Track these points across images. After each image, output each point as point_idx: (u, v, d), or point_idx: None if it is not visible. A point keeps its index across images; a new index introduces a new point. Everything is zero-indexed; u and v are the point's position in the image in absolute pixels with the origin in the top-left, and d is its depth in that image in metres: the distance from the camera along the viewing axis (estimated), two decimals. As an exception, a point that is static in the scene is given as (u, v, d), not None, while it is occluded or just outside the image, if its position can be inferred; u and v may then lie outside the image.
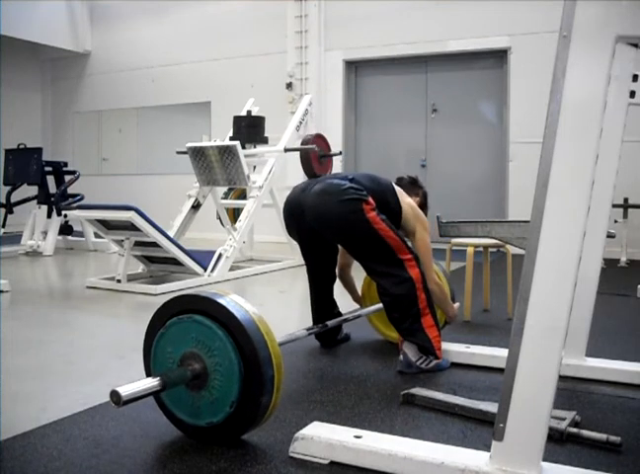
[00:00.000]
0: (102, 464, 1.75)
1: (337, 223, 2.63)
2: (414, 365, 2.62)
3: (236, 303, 1.86)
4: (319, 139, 5.66)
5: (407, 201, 2.84)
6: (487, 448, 1.62)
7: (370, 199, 2.61)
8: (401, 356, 2.65)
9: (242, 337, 1.78)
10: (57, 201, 7.08)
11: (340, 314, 3.03)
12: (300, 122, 6.33)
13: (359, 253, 2.69)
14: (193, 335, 1.83)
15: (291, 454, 1.80)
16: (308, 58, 8.20)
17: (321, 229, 2.72)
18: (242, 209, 5.79)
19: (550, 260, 1.49)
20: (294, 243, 6.08)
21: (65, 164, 7.70)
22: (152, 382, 1.77)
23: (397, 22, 7.77)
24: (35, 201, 7.34)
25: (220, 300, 1.85)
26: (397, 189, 2.84)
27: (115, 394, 1.64)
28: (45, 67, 10.95)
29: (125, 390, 1.66)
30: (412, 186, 3.05)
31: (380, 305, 2.94)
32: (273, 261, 6.14)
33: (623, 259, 6.05)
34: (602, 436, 1.85)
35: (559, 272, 1.49)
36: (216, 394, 1.80)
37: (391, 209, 2.74)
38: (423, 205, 3.03)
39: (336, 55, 8.15)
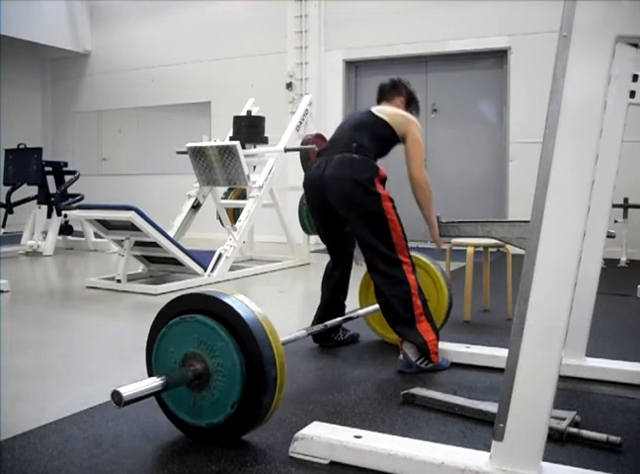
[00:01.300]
0: (102, 464, 1.75)
1: (351, 198, 2.69)
2: (414, 365, 2.62)
3: (241, 302, 1.86)
4: (319, 139, 5.67)
5: (389, 112, 2.88)
6: (487, 448, 1.62)
7: (381, 171, 2.72)
8: (401, 356, 2.65)
9: (246, 336, 1.78)
10: (57, 201, 7.08)
11: (343, 310, 3.04)
12: (300, 122, 6.33)
13: (362, 233, 2.71)
14: (195, 335, 1.83)
15: (291, 454, 1.80)
16: (308, 58, 8.20)
17: (335, 201, 2.76)
18: (242, 209, 5.79)
19: (550, 260, 1.49)
20: (294, 243, 6.14)
21: (65, 164, 7.69)
22: (153, 383, 1.77)
23: (397, 22, 7.76)
24: (35, 201, 7.34)
25: (225, 299, 1.85)
26: (375, 109, 2.90)
27: (116, 394, 1.64)
28: (45, 67, 10.94)
29: (127, 390, 1.66)
30: (393, 88, 3.05)
31: (377, 306, 2.95)
32: (273, 261, 6.14)
33: (623, 259, 6.04)
34: (602, 436, 1.86)
35: (559, 272, 1.49)
36: (218, 395, 1.80)
37: (383, 134, 2.83)
38: (410, 102, 3.04)
39: (336, 55, 8.15)
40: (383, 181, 2.74)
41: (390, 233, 2.65)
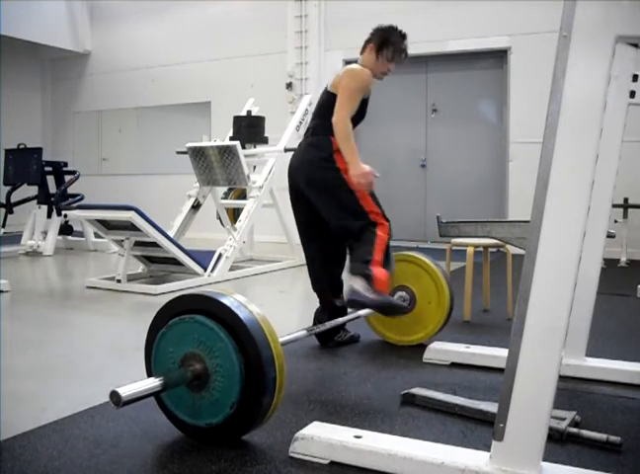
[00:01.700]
0: (102, 464, 1.75)
1: (311, 178, 2.79)
2: (361, 294, 2.55)
3: (240, 303, 1.86)
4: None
5: (334, 77, 2.89)
6: (487, 448, 1.62)
7: (334, 144, 2.73)
8: (346, 287, 2.68)
9: (245, 337, 1.78)
10: (57, 201, 7.08)
11: (344, 308, 2.99)
12: (300, 122, 6.32)
13: (331, 210, 2.75)
14: (194, 335, 1.83)
15: (291, 454, 1.80)
16: (308, 58, 8.19)
17: (304, 187, 2.84)
18: (242, 209, 5.79)
19: (550, 260, 1.49)
20: (294, 243, 6.13)
21: (65, 164, 7.69)
22: (152, 383, 1.77)
23: (397, 22, 7.64)
24: (35, 201, 7.34)
25: (223, 300, 1.85)
26: (332, 80, 2.92)
27: (114, 395, 1.63)
28: (45, 67, 10.94)
29: (125, 391, 1.65)
30: (369, 38, 3.01)
31: None
32: (273, 261, 6.14)
33: (623, 259, 6.04)
34: (602, 436, 1.86)
35: (559, 272, 1.49)
36: (217, 395, 1.80)
37: (334, 105, 2.79)
38: (382, 47, 2.94)
39: (336, 55, 8.14)
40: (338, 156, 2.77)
41: (359, 202, 2.70)
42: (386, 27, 3.03)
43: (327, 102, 2.86)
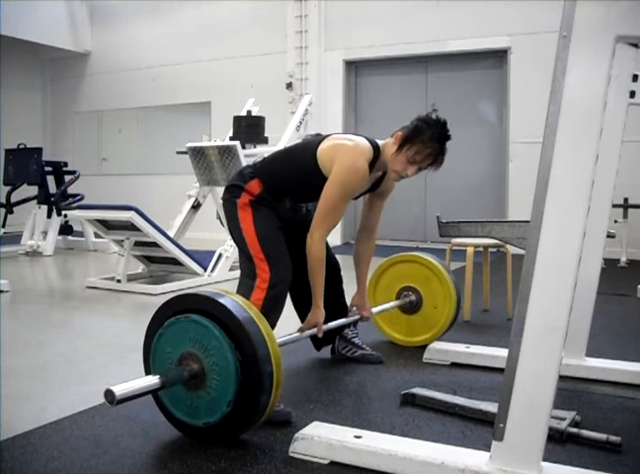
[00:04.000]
0: (102, 464, 1.75)
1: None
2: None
3: (236, 302, 1.86)
4: (319, 139, 5.65)
5: (329, 144, 2.27)
6: (487, 448, 1.62)
7: (250, 185, 2.28)
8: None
9: (240, 334, 1.78)
10: (57, 201, 7.08)
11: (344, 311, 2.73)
12: (300, 122, 6.32)
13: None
14: (190, 335, 1.83)
15: (291, 454, 1.80)
16: (308, 58, 8.19)
17: None
18: (242, 209, 5.78)
19: (550, 260, 1.49)
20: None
21: (65, 164, 7.70)
22: (147, 382, 1.77)
23: (397, 22, 7.76)
24: (35, 201, 7.34)
25: (220, 299, 1.85)
26: (328, 138, 2.34)
27: (109, 393, 1.63)
28: (45, 67, 10.94)
29: (120, 389, 1.65)
30: (409, 124, 2.32)
31: (385, 306, 2.93)
32: (273, 261, 6.12)
33: (623, 259, 6.04)
34: (602, 436, 1.86)
35: (559, 272, 1.49)
36: (213, 394, 1.80)
37: (298, 163, 2.30)
38: (408, 138, 2.24)
39: (336, 55, 8.14)
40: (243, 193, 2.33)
41: (246, 246, 2.29)
42: (431, 119, 2.25)
43: (297, 148, 2.38)
